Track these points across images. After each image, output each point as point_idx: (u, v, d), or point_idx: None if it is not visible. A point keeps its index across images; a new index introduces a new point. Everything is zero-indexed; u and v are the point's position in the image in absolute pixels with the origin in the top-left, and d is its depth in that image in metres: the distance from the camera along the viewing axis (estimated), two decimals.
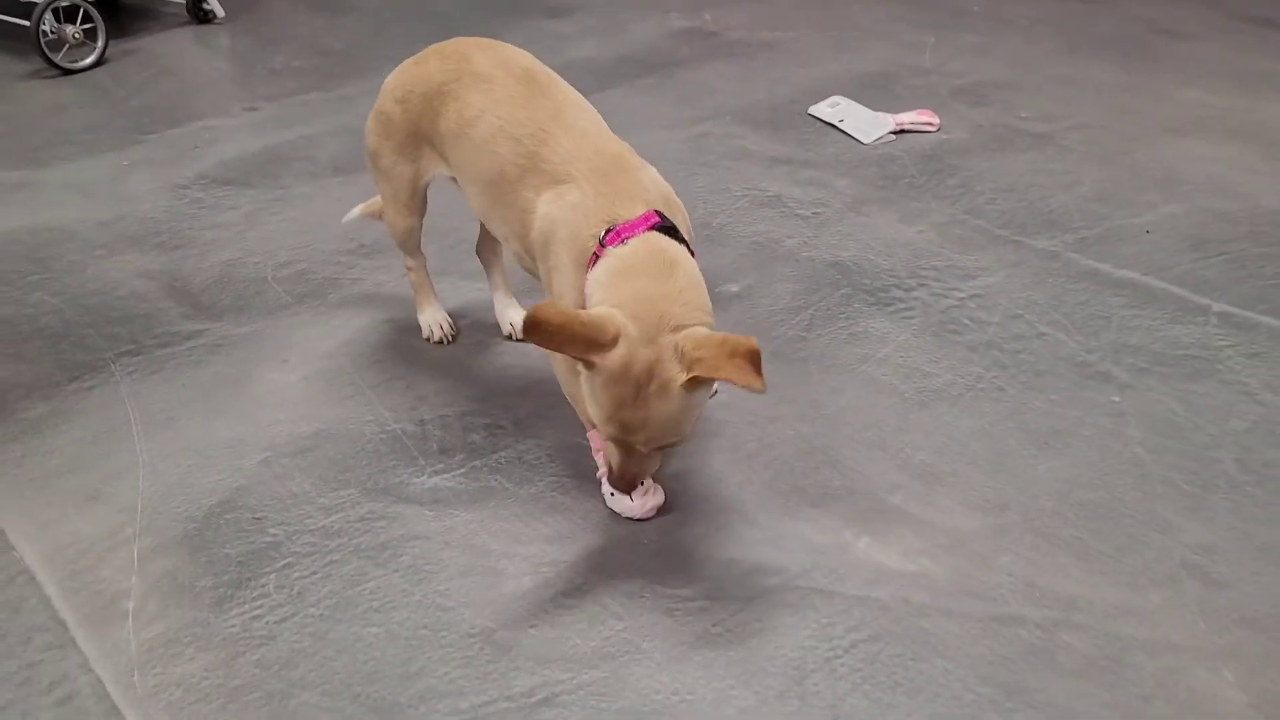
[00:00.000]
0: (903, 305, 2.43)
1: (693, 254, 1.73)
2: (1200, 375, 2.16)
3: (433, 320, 2.37)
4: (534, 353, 2.32)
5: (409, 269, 2.34)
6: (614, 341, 1.54)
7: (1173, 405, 2.08)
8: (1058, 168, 3.05)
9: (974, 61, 3.88)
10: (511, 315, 2.38)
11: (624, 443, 1.62)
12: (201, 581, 1.77)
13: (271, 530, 1.87)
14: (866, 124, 3.35)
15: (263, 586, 1.75)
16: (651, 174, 1.81)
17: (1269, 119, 3.29)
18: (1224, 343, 2.25)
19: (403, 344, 2.38)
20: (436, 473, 1.99)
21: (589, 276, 1.68)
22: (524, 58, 2.00)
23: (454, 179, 2.08)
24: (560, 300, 1.75)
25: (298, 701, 1.56)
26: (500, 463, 2.01)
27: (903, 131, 3.32)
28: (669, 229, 1.70)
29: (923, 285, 2.50)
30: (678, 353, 1.54)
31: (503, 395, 2.21)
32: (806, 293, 2.51)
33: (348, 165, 3.22)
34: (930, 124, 3.34)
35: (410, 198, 2.18)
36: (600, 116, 1.93)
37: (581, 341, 1.53)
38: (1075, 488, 1.89)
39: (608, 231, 1.68)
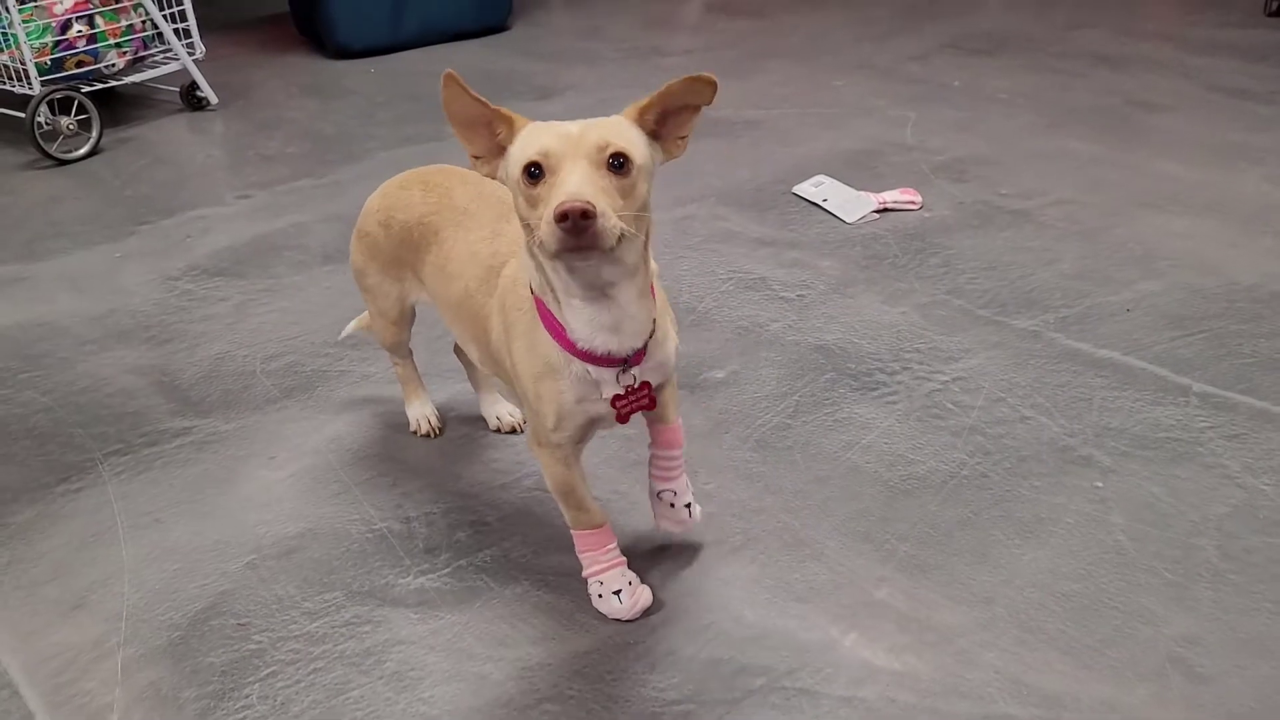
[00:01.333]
0: (886, 389, 2.44)
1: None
2: (1182, 459, 2.17)
3: (420, 414, 2.39)
4: (519, 446, 2.34)
5: (395, 364, 2.37)
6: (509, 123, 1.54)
7: (1155, 490, 2.09)
8: (1037, 245, 3.09)
9: (955, 137, 3.94)
10: (497, 410, 2.40)
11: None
12: (185, 693, 1.76)
13: (256, 637, 1.86)
14: (850, 203, 3.40)
15: (246, 697, 1.75)
16: None
17: (1244, 192, 3.34)
18: (1204, 424, 2.26)
19: (389, 439, 2.40)
20: (422, 573, 1.99)
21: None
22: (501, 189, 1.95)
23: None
24: (530, 383, 1.71)
25: None
26: (486, 561, 2.02)
27: (886, 210, 3.37)
28: None
29: (906, 369, 2.52)
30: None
31: (488, 491, 2.21)
32: (791, 378, 2.52)
33: (337, 254, 3.25)
34: (913, 202, 3.38)
35: (398, 315, 2.20)
36: None
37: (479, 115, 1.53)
38: (1059, 579, 1.89)
39: None
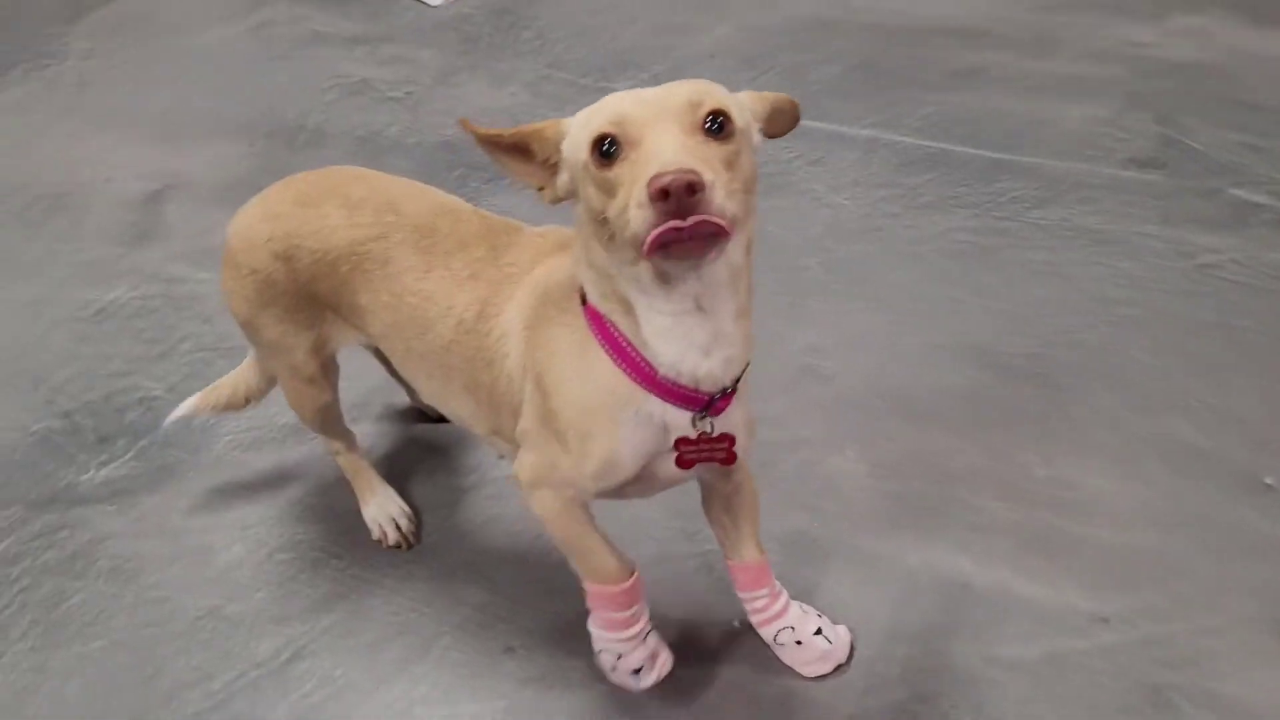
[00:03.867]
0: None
1: None
2: (779, 190, 2.47)
3: (382, 516, 1.79)
4: (167, 315, 2.23)
5: (335, 454, 1.79)
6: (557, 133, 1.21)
7: (763, 222, 2.38)
8: (615, 2, 3.21)
9: None
10: None
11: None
12: None
13: None
14: None
15: None
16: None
17: None
18: (791, 155, 2.57)
19: (20, 337, 2.21)
20: (104, 464, 1.93)
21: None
22: (453, 198, 1.57)
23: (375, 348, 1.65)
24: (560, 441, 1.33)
25: None
26: (169, 435, 1.97)
27: None
28: None
29: None
30: None
31: (145, 364, 2.13)
32: (424, 177, 2.54)
33: None
34: None
35: (316, 371, 1.63)
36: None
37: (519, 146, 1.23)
38: None
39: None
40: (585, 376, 1.27)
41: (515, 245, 1.43)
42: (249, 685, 1.60)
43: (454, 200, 1.55)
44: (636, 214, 1.05)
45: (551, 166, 1.21)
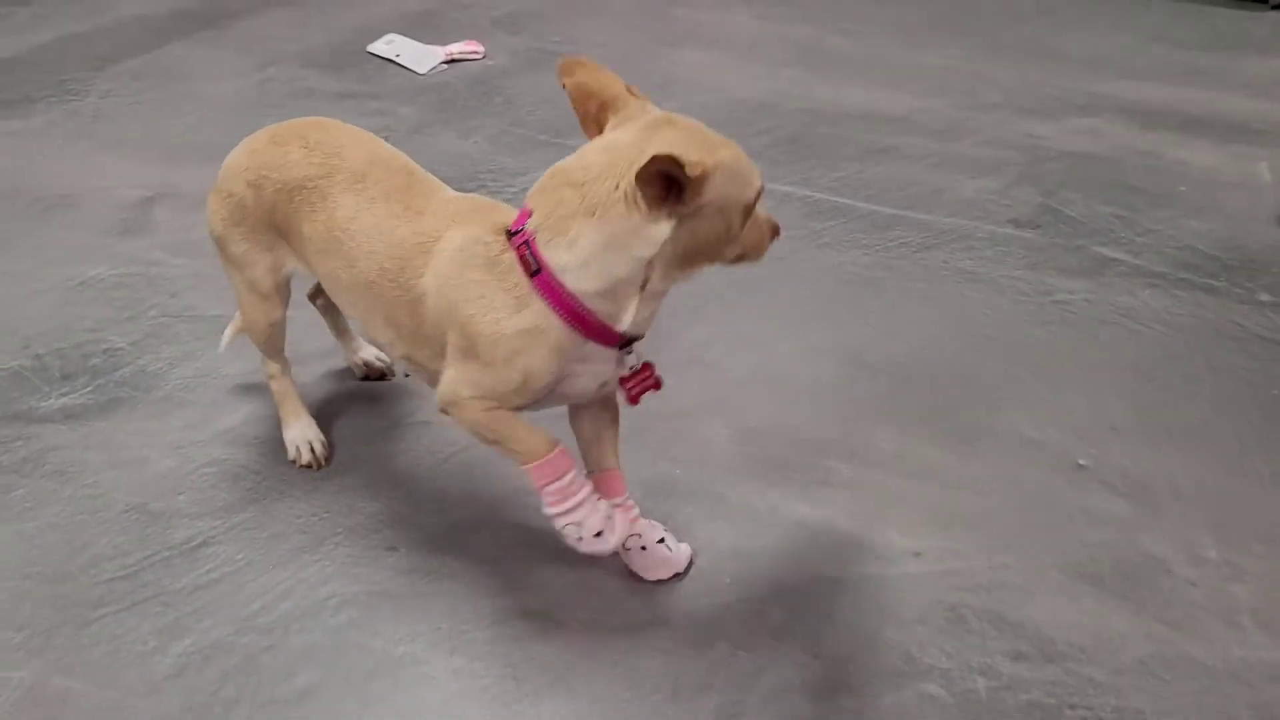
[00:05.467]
0: None
1: None
2: None
3: (300, 438, 2.03)
4: (138, 286, 2.51)
5: (270, 378, 2.04)
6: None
7: None
8: None
9: None
10: (364, 356, 2.24)
11: None
12: None
13: None
14: (421, 56, 3.74)
15: None
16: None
17: (738, 29, 4.07)
18: None
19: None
20: (63, 395, 2.18)
21: (547, 258, 1.48)
22: (392, 150, 1.82)
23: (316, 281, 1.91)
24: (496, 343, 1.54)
25: None
26: (125, 376, 2.23)
27: (453, 61, 3.75)
28: None
29: (482, 186, 2.95)
30: None
31: (115, 324, 2.40)
32: None
33: None
34: (476, 52, 3.78)
35: (272, 287, 1.90)
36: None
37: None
38: None
39: (509, 234, 1.52)
40: (518, 313, 1.49)
41: (428, 211, 1.67)
42: (160, 562, 1.81)
43: (391, 153, 1.81)
44: (766, 243, 1.60)
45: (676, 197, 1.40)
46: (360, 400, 2.20)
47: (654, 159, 1.34)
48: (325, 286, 1.85)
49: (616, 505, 1.74)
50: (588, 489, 1.65)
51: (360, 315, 1.78)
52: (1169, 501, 1.92)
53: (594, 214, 1.44)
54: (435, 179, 1.78)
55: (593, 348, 1.54)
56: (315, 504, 1.93)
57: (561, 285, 1.48)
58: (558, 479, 1.62)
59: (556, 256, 1.47)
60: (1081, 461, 2.02)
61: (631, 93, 1.56)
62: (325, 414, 2.13)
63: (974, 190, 2.95)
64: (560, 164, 1.52)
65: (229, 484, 1.97)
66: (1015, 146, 3.19)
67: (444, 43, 3.82)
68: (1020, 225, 2.78)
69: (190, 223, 2.71)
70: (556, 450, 1.63)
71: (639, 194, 1.40)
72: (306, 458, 2.01)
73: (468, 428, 1.64)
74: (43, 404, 2.16)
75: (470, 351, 1.57)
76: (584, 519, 1.63)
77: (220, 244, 1.91)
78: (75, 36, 3.89)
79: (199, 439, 2.07)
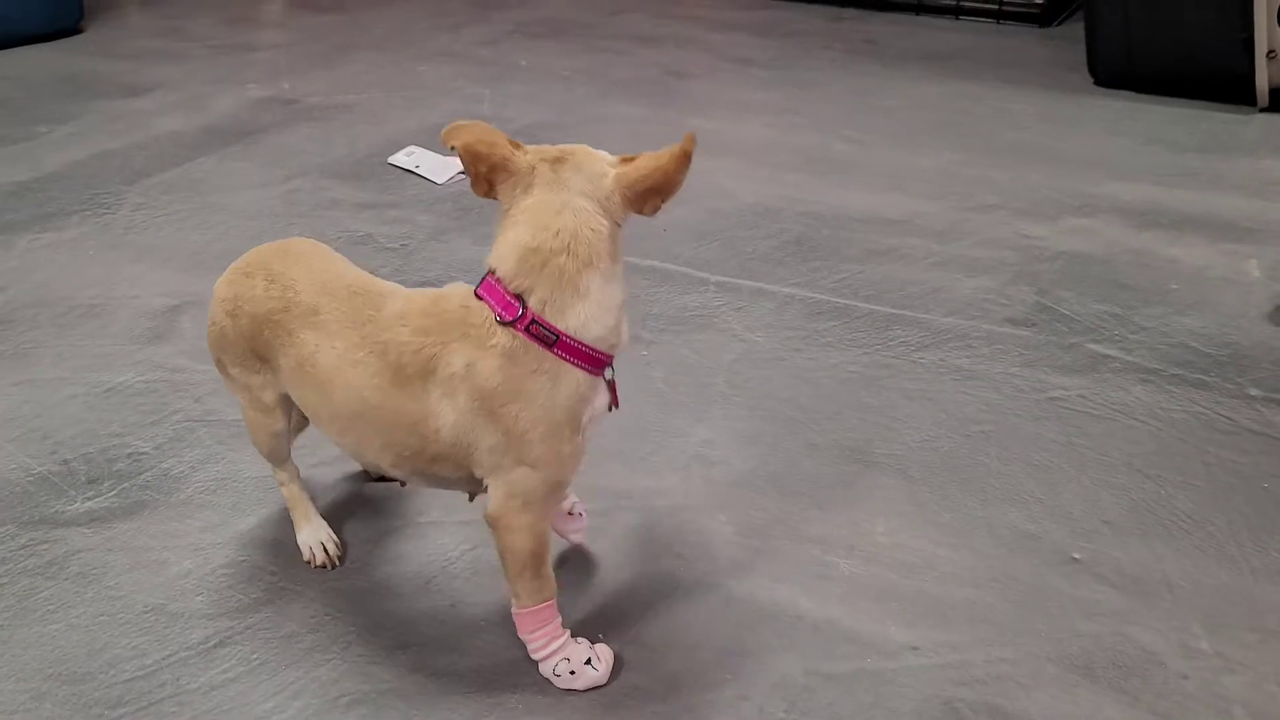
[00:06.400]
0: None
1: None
2: (703, 328, 2.87)
3: (313, 540, 2.09)
4: (162, 391, 2.62)
5: (281, 484, 2.12)
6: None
7: (683, 351, 2.77)
8: None
9: (525, 108, 4.56)
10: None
11: None
12: None
13: None
14: (439, 167, 3.90)
15: None
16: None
17: (748, 137, 4.21)
18: (719, 303, 2.99)
19: (31, 399, 2.59)
20: (89, 499, 2.26)
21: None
22: (342, 265, 1.88)
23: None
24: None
25: None
26: (149, 480, 2.31)
27: None
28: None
29: None
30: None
31: (140, 429, 2.50)
32: None
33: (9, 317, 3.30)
34: None
35: (273, 402, 1.95)
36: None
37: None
38: (619, 419, 2.49)
39: (503, 323, 1.60)
40: (553, 404, 1.61)
41: (387, 333, 1.68)
42: (178, 662, 1.87)
43: (339, 275, 1.82)
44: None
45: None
46: (371, 501, 2.27)
47: (644, 180, 1.61)
48: (310, 418, 1.90)
49: (570, 513, 2.05)
50: (566, 631, 1.81)
51: (351, 444, 1.81)
52: (1162, 593, 1.96)
53: (591, 263, 1.59)
54: (380, 287, 1.80)
55: (597, 381, 1.66)
56: (328, 604, 1.99)
57: (580, 342, 1.60)
58: (552, 619, 1.79)
59: (571, 319, 1.59)
60: (1076, 555, 2.06)
61: (516, 147, 1.66)
62: (338, 515, 2.20)
63: (971, 289, 3.03)
64: (528, 244, 1.60)
65: (245, 585, 2.04)
66: (1012, 246, 3.28)
67: None
68: (1016, 324, 2.86)
69: None
70: (553, 600, 1.78)
71: (616, 213, 1.63)
72: (320, 558, 2.07)
73: (510, 546, 1.71)
74: (69, 508, 2.24)
75: (522, 454, 1.63)
76: (573, 653, 1.78)
77: (218, 366, 1.99)
78: (111, 152, 4.07)
79: (218, 541, 2.15)
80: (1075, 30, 5.37)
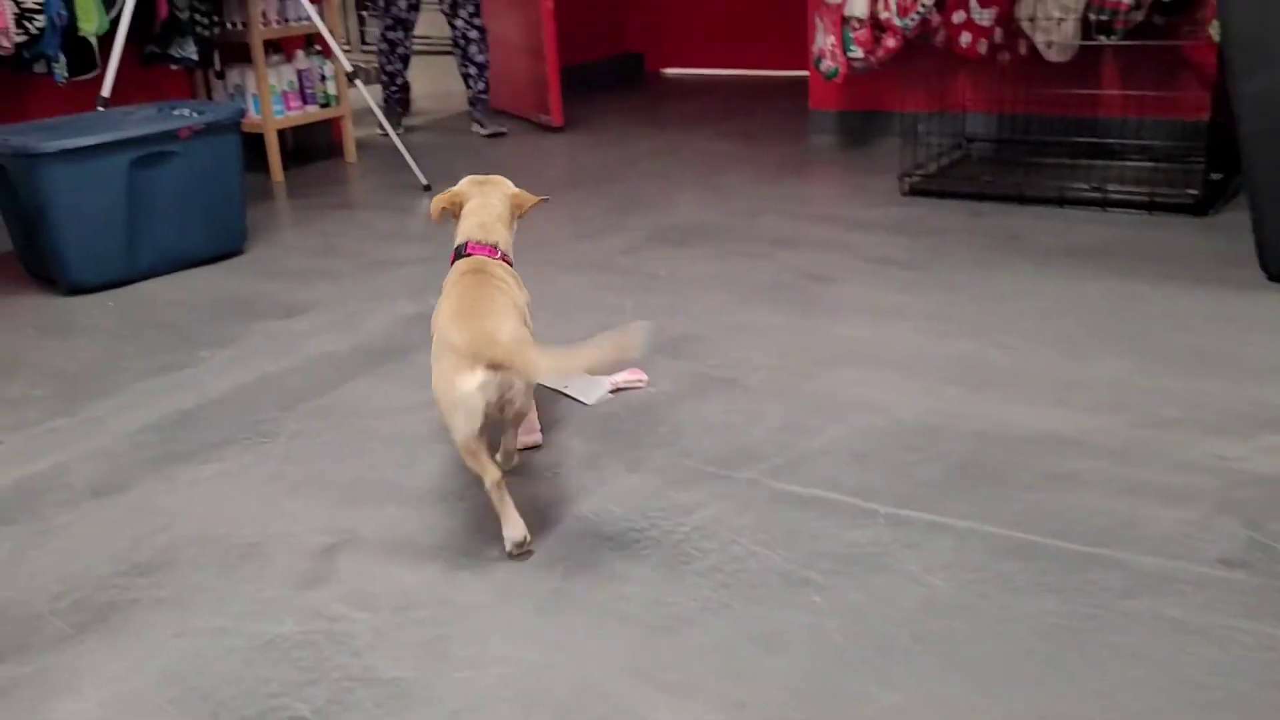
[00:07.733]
0: (639, 545, 2.86)
1: None
2: (876, 569, 2.69)
3: (515, 532, 2.90)
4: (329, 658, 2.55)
5: (488, 488, 2.92)
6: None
7: (858, 597, 2.59)
8: (745, 406, 3.66)
9: (667, 319, 4.55)
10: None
11: None
12: None
13: None
14: (588, 387, 3.88)
15: None
16: None
17: (899, 345, 4.10)
18: (890, 539, 2.81)
19: (188, 657, 2.55)
20: None
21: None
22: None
23: None
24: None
25: None
26: None
27: (619, 390, 3.87)
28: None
29: (654, 525, 2.95)
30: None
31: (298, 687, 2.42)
32: (559, 546, 2.90)
33: (105, 488, 3.36)
34: (640, 381, 3.90)
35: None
36: None
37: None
38: (792, 678, 2.32)
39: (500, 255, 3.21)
40: (510, 272, 3.29)
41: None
42: None
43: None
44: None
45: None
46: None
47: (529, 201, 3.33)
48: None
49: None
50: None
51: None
52: None
53: (503, 224, 3.25)
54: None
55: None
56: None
57: (505, 255, 3.21)
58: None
59: (503, 246, 3.21)
60: None
61: (459, 193, 3.27)
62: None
63: (1170, 523, 2.79)
64: (479, 223, 3.19)
65: None
66: (1206, 469, 3.04)
67: (610, 373, 3.95)
68: (1230, 565, 2.60)
69: (371, 573, 2.78)
70: None
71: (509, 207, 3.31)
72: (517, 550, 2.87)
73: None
74: None
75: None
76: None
77: None
78: (269, 377, 4.18)
79: None
80: (1235, 220, 5.19)
